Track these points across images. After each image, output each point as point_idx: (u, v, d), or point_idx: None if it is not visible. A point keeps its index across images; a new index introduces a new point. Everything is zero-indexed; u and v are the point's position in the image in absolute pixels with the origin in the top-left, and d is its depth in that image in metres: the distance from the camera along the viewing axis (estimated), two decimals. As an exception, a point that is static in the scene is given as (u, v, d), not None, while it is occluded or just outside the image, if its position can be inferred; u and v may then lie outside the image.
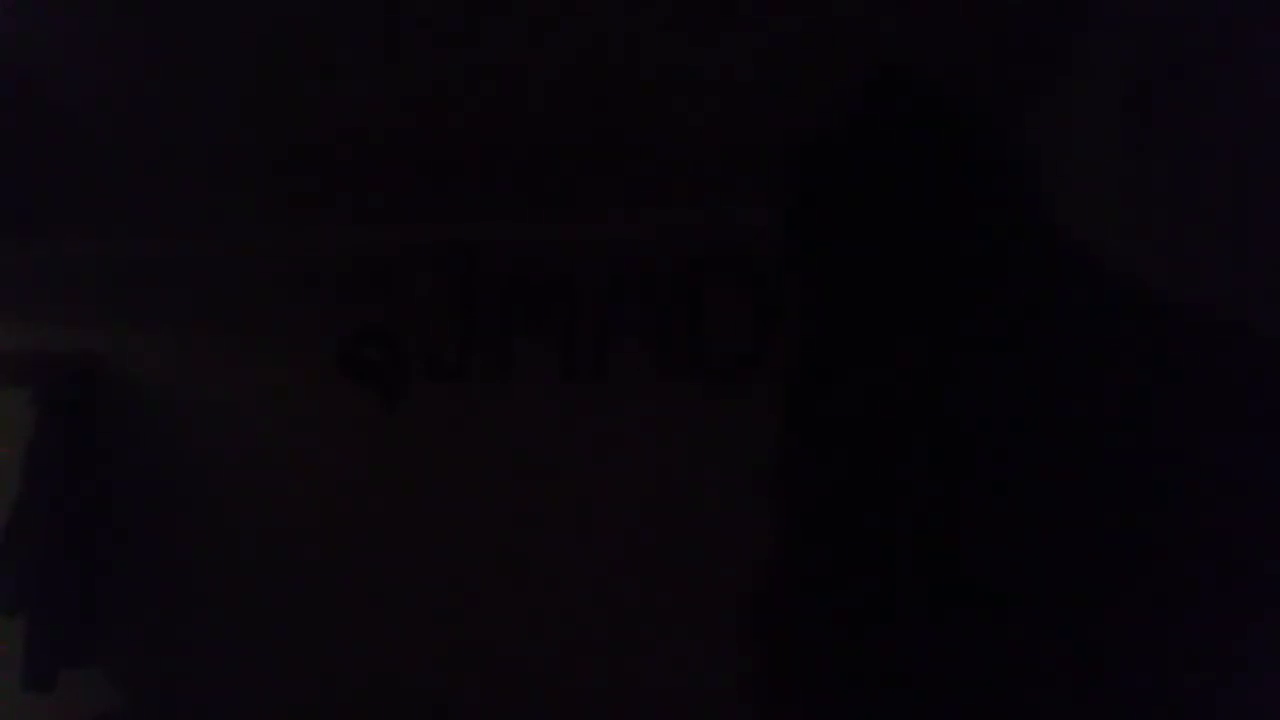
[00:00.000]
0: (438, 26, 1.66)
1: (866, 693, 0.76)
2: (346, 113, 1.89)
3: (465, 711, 1.92)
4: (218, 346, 2.13)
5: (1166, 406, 0.73)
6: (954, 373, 0.76)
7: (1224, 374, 0.74)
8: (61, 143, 2.06)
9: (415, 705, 1.96)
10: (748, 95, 1.73)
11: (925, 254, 0.81)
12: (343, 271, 2.03)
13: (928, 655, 0.73)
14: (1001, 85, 1.42)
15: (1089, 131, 1.39)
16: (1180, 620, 0.69)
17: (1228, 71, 1.15)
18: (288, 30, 1.68)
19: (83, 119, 2.00)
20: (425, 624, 1.96)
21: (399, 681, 1.97)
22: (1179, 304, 0.81)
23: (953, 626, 0.73)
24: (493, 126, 1.89)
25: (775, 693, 0.84)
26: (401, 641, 1.97)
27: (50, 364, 2.13)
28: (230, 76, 1.83)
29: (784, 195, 0.93)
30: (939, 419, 0.76)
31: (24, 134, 2.01)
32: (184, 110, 1.93)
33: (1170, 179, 1.23)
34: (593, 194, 1.89)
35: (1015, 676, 0.71)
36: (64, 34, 1.75)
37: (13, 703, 1.99)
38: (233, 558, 2.08)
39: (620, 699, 1.83)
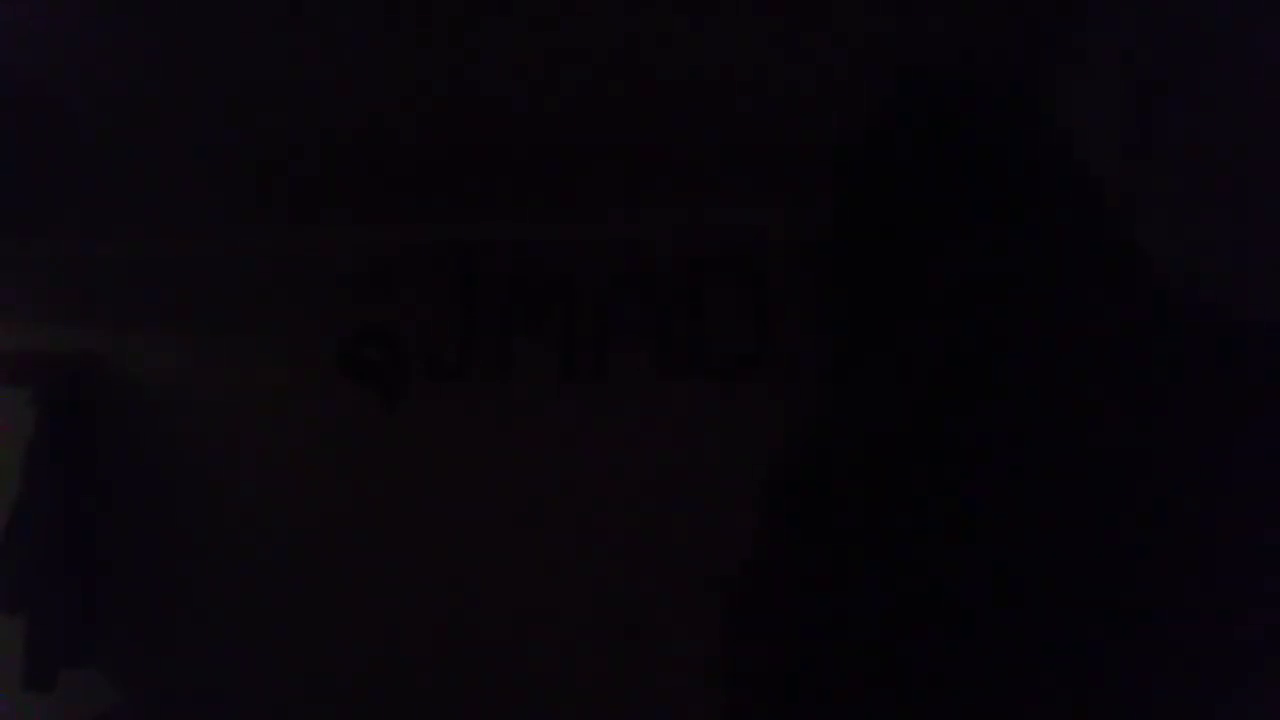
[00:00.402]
0: (438, 26, 1.66)
1: (862, 694, 0.76)
2: (346, 113, 1.89)
3: (465, 711, 1.92)
4: (218, 346, 2.13)
5: (1174, 408, 0.73)
6: (996, 373, 0.76)
7: (1228, 374, 0.74)
8: (61, 143, 2.06)
9: (415, 705, 1.96)
10: (748, 95, 1.73)
11: (976, 250, 0.80)
12: (343, 271, 2.03)
13: (928, 658, 0.73)
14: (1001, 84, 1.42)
15: (1089, 131, 1.39)
16: (1185, 624, 0.69)
17: (1228, 71, 1.15)
18: (288, 31, 1.68)
19: (83, 119, 2.00)
20: (425, 623, 1.96)
21: (398, 681, 1.97)
22: (1180, 304, 0.81)
23: (955, 630, 0.73)
24: (493, 126, 1.89)
25: (758, 694, 0.84)
26: (401, 641, 1.97)
27: (50, 364, 2.13)
28: (230, 76, 1.83)
29: (833, 196, 0.91)
30: (971, 418, 0.75)
31: (24, 134, 2.01)
32: (184, 110, 1.93)
33: (1171, 179, 1.23)
34: (593, 194, 1.89)
35: (1017, 680, 0.71)
36: (64, 34, 1.75)
37: (13, 703, 1.99)
38: (233, 557, 2.08)
39: (620, 698, 1.83)
